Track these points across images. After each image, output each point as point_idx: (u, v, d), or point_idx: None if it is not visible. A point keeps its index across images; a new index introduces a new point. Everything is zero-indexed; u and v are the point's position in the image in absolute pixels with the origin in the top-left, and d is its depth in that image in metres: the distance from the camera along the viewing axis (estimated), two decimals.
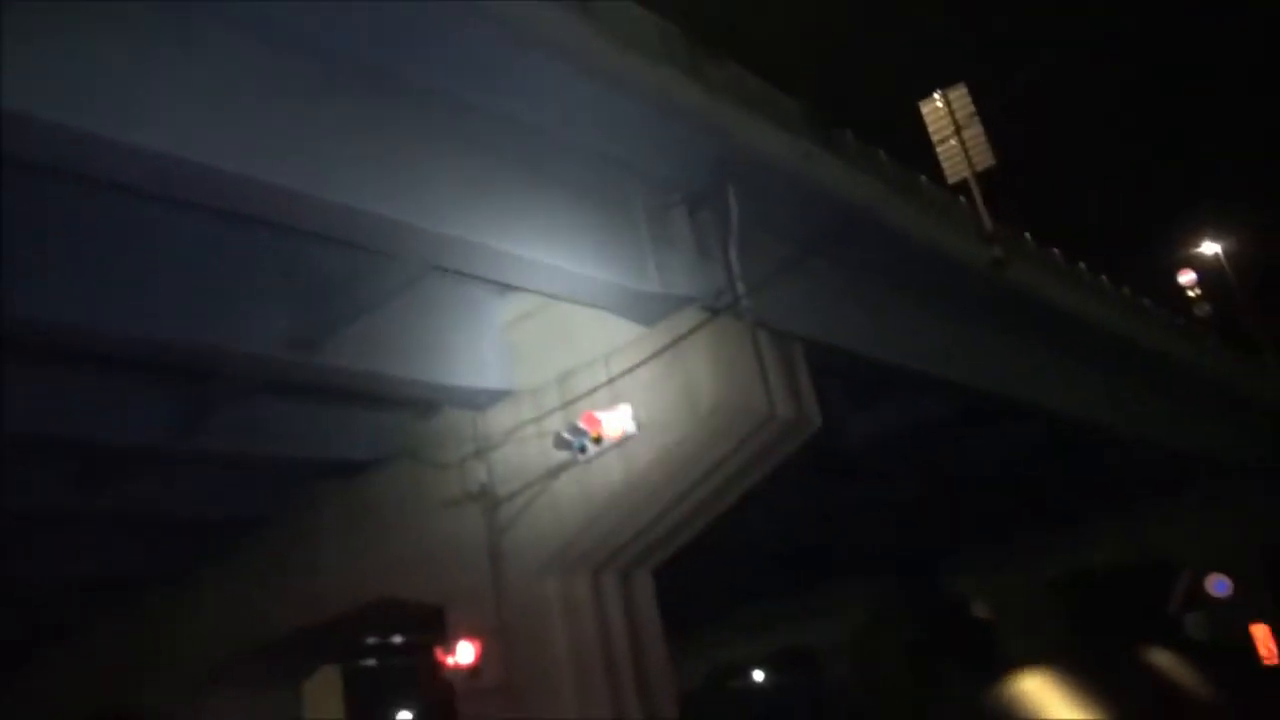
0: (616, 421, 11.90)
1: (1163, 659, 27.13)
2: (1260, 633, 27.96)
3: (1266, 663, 26.92)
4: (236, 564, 18.00)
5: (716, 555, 22.12)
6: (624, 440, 12.11)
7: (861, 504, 24.81)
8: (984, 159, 17.92)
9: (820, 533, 26.63)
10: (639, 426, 12.12)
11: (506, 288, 12.77)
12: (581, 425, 12.01)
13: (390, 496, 15.78)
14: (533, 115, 10.79)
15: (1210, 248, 42.17)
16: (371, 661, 30.86)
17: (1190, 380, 27.64)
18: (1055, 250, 22.03)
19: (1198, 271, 41.68)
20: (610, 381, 12.52)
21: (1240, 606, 28.33)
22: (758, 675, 41.06)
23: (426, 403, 14.97)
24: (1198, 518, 31.94)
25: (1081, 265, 23.00)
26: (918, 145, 18.60)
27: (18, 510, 15.28)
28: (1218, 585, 28.98)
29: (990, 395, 19.21)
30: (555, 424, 12.81)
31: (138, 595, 19.30)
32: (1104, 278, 24.17)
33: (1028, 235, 20.91)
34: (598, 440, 12.01)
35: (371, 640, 26.78)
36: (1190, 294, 40.34)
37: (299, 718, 19.53)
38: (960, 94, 19.14)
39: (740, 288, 12.81)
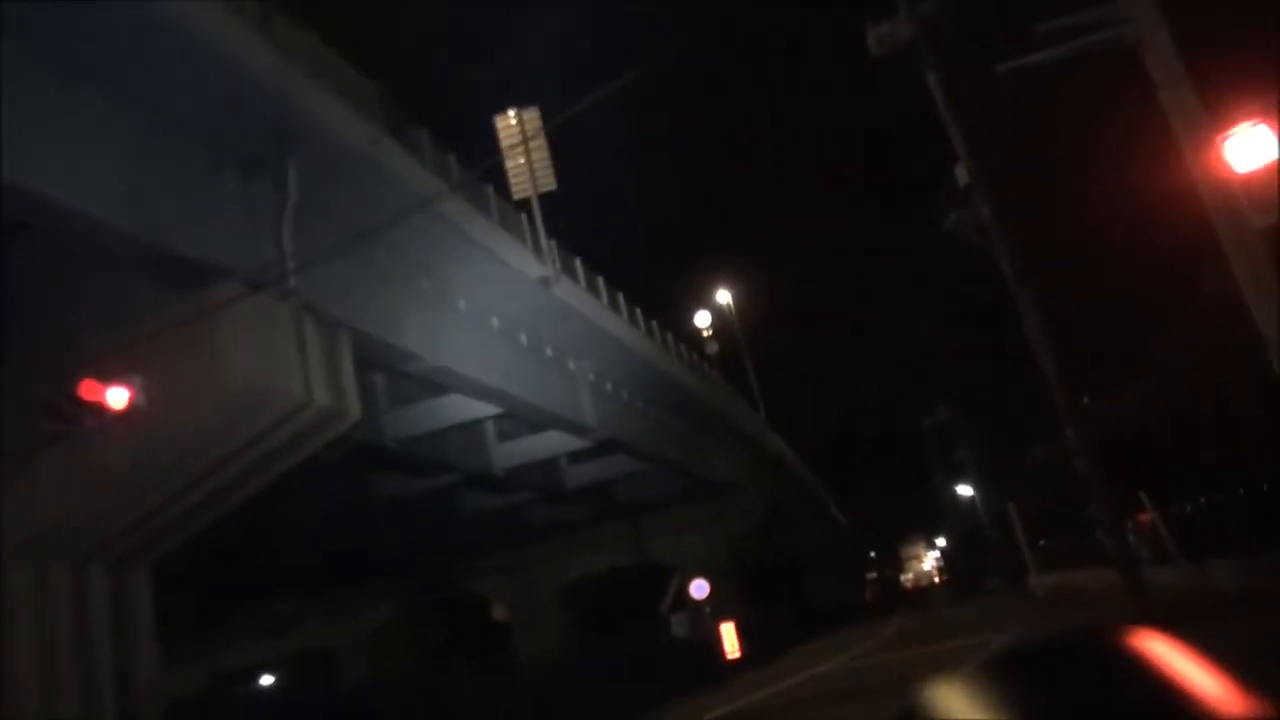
0: (123, 392, 10.55)
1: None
2: (726, 630, 32.57)
3: (728, 658, 31.35)
4: None
5: (224, 548, 20.59)
6: (131, 414, 10.76)
7: (389, 501, 24.66)
8: (547, 180, 18.98)
9: (345, 531, 25.99)
10: (151, 400, 10.86)
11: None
12: (79, 393, 10.47)
13: None
14: (82, 40, 9.33)
15: (723, 296, 48.86)
16: None
17: (696, 407, 31.51)
18: (600, 277, 23.87)
19: (712, 314, 48.10)
20: (123, 347, 11.09)
21: (714, 607, 32.76)
22: (266, 679, 38.84)
23: None
24: (689, 528, 36.39)
25: (620, 295, 25.16)
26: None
27: None
28: (697, 588, 33.28)
29: (524, 405, 20.19)
30: (43, 390, 11.03)
31: None
32: (638, 309, 26.68)
33: (578, 260, 22.42)
34: (97, 412, 10.56)
35: None
36: (704, 334, 46.37)
37: None
38: (533, 115, 20.14)
39: (290, 266, 12.16)
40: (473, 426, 21.75)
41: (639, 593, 39.72)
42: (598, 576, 38.02)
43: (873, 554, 77.61)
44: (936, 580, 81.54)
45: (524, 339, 19.75)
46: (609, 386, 24.67)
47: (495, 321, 18.53)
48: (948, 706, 0.91)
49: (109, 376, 10.54)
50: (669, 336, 30.32)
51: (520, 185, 19.20)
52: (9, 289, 11.26)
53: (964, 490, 62.08)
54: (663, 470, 30.66)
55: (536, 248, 19.14)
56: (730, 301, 48.01)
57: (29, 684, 11.63)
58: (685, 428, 31.10)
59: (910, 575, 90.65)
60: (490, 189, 18.33)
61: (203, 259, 11.17)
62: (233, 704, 34.29)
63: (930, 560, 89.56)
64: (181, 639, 18.86)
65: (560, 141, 20.43)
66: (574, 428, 22.85)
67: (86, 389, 10.46)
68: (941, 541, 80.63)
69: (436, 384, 18.07)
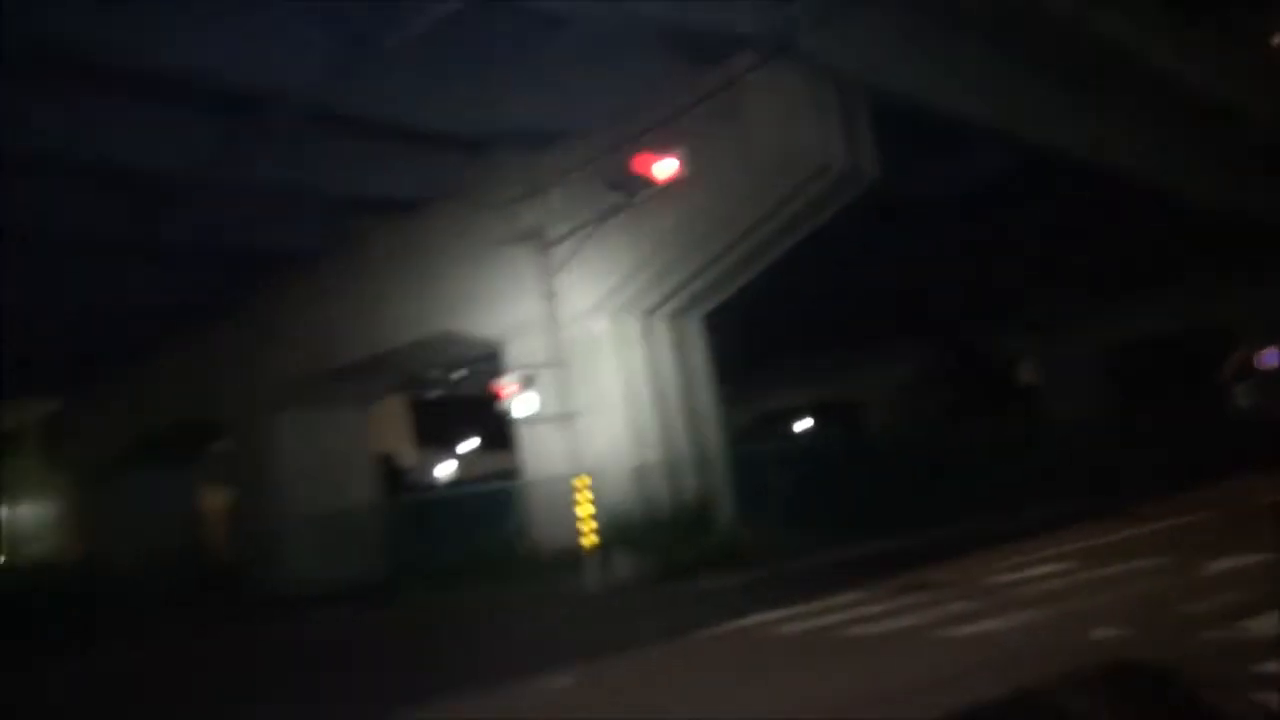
0: (668, 165, 11.83)
1: None
2: None
3: None
4: (295, 296, 18.96)
5: (768, 304, 22.51)
6: (675, 184, 12.07)
7: (917, 258, 24.72)
8: None
9: (873, 286, 26.79)
10: (691, 171, 12.05)
11: (556, 21, 12.30)
12: (633, 167, 11.98)
13: (444, 235, 16.22)
14: None
15: None
16: (438, 393, 32.86)
17: (1266, 145, 26.12)
18: None
19: None
20: (663, 124, 12.33)
21: None
22: (802, 422, 42.83)
23: (475, 142, 14.95)
24: (1253, 289, 31.11)
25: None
26: None
27: (74, 241, 16.04)
28: (1268, 357, 28.90)
29: (1057, 151, 18.53)
30: (606, 166, 12.80)
31: (201, 323, 20.48)
32: (1193, 30, 22.32)
33: None
34: (648, 183, 12.02)
35: (436, 373, 28.42)
36: None
37: (364, 437, 21.17)
38: None
39: (803, 28, 12.27)
40: (997, 179, 20.62)
41: (1193, 361, 35.44)
42: (1145, 339, 34.56)
43: None
44: None
45: (1049, 73, 17.79)
46: (1151, 129, 21.43)
47: (1016, 54, 16.88)
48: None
49: (658, 150, 11.86)
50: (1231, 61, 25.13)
51: None
52: (573, 79, 12.98)
53: None
54: (1217, 221, 26.35)
55: None
56: None
57: (617, 411, 14.34)
58: (1245, 173, 26.09)
59: None
60: None
61: (720, 30, 11.73)
62: (772, 439, 38.49)
63: None
64: (733, 383, 21.41)
65: None
66: (1114, 177, 20.53)
67: (639, 163, 11.93)
68: None
69: (955, 135, 17.33)
